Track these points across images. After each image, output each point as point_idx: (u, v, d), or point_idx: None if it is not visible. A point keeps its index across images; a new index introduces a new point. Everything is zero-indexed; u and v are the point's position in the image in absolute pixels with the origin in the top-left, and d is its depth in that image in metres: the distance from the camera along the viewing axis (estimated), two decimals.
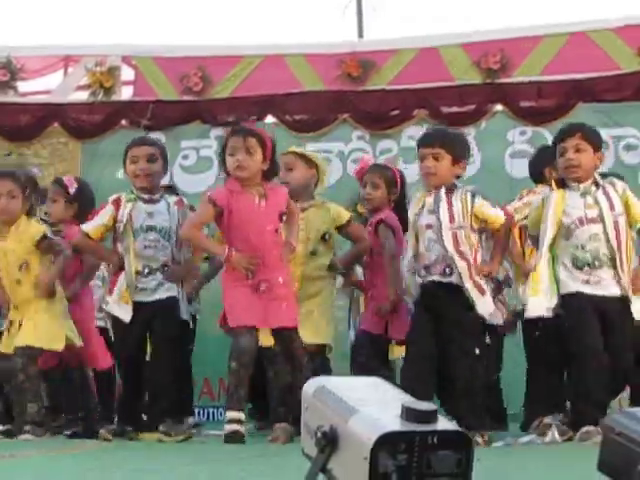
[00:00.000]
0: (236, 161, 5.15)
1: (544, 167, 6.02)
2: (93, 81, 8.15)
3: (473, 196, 5.21)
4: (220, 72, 8.07)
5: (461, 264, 5.10)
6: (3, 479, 3.14)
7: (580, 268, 5.18)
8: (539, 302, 5.22)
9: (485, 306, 5.15)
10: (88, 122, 8.19)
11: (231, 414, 5.05)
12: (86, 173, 7.76)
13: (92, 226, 5.60)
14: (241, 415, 5.07)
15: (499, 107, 7.86)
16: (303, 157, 5.93)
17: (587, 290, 5.17)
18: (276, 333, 5.19)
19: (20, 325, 5.66)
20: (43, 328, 5.63)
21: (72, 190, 6.18)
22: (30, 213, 5.84)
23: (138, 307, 5.52)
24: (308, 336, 5.46)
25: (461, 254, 5.12)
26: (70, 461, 4.15)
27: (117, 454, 4.56)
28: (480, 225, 5.22)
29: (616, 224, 5.19)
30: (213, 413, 7.68)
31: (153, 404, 5.52)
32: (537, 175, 6.14)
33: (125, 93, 8.41)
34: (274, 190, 5.30)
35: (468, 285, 5.10)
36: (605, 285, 5.18)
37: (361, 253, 5.93)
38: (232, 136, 5.24)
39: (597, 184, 5.25)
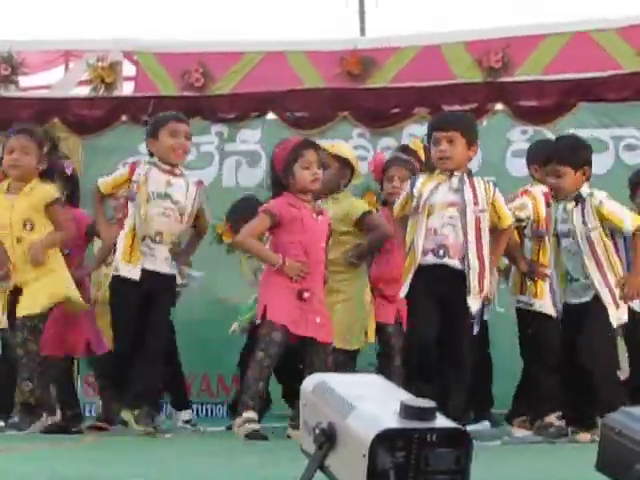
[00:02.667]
0: None
1: (529, 164, 6.06)
2: (94, 76, 8.14)
3: (495, 186, 5.27)
4: (221, 68, 8.07)
5: (474, 258, 5.10)
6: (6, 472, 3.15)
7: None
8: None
9: (474, 304, 5.16)
10: (89, 117, 8.17)
11: (247, 415, 5.03)
12: (87, 168, 7.75)
13: (104, 179, 5.68)
14: (255, 415, 5.06)
15: (500, 106, 7.85)
16: (337, 157, 5.94)
17: (570, 299, 5.35)
18: (310, 344, 5.19)
19: (16, 288, 5.51)
20: (41, 291, 5.48)
21: (69, 171, 6.13)
22: (48, 176, 5.71)
23: (142, 272, 5.43)
24: (336, 341, 5.47)
25: (479, 243, 5.13)
26: (69, 455, 4.15)
27: (107, 449, 4.56)
28: (492, 218, 5.24)
29: (589, 238, 5.28)
30: (212, 409, 7.68)
31: (133, 384, 5.41)
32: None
33: (126, 89, 8.41)
34: (324, 212, 5.44)
35: (474, 284, 5.11)
36: (581, 293, 5.32)
37: (373, 243, 5.89)
38: None
39: (577, 200, 5.33)
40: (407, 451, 2.03)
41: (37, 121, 8.09)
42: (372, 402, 2.13)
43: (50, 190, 5.65)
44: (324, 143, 6.17)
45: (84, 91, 8.32)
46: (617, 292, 5.27)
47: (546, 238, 5.66)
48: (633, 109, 7.59)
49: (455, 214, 5.13)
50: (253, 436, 4.93)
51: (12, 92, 8.22)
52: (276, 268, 5.19)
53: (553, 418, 5.48)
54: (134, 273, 5.39)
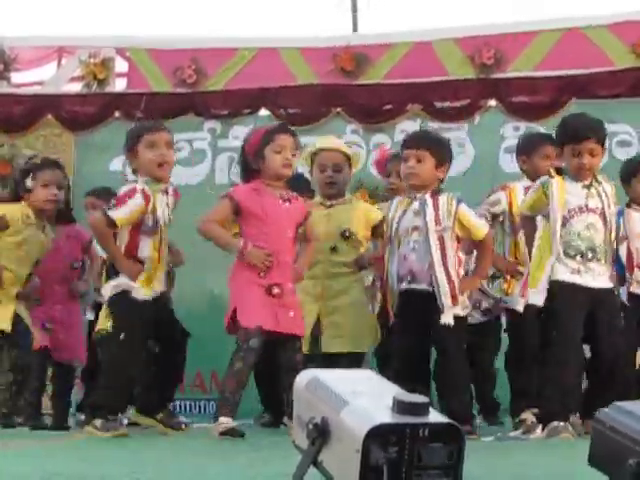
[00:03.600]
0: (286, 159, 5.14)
1: (518, 156, 6.05)
2: (87, 73, 8.14)
3: (459, 202, 5.24)
4: (214, 65, 8.06)
5: (442, 277, 5.10)
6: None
7: (572, 257, 5.19)
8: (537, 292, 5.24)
9: (448, 318, 5.13)
10: (82, 114, 8.16)
11: (224, 420, 4.91)
12: (79, 164, 7.74)
13: (117, 213, 5.04)
14: (233, 423, 4.94)
15: (493, 102, 7.86)
16: (348, 157, 5.87)
17: (577, 280, 5.18)
18: (283, 340, 5.07)
19: None
20: None
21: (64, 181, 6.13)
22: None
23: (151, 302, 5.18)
24: (343, 344, 5.48)
25: (444, 263, 5.13)
26: (64, 452, 4.15)
27: (101, 447, 4.56)
28: (463, 233, 5.23)
29: (611, 218, 5.22)
30: (205, 406, 7.68)
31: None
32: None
33: (119, 85, 8.40)
34: (296, 199, 5.29)
35: (445, 301, 5.11)
36: (597, 276, 5.20)
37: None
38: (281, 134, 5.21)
39: (597, 180, 5.28)
40: (400, 446, 2.04)
41: (30, 117, 8.11)
42: (365, 398, 2.13)
43: None
44: (337, 143, 6.07)
45: (76, 87, 8.31)
46: None
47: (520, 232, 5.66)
48: (626, 105, 7.60)
49: (418, 238, 5.17)
50: (228, 433, 4.83)
51: (4, 88, 8.21)
52: (238, 254, 5.05)
53: (529, 414, 5.49)
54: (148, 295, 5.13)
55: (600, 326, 5.12)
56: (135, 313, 5.07)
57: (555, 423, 4.90)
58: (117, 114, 8.18)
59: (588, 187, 5.22)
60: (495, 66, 7.70)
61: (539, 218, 5.33)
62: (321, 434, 2.14)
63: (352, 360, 5.51)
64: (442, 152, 5.32)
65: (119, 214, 5.02)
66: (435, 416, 2.09)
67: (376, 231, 5.77)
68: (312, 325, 5.51)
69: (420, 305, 5.16)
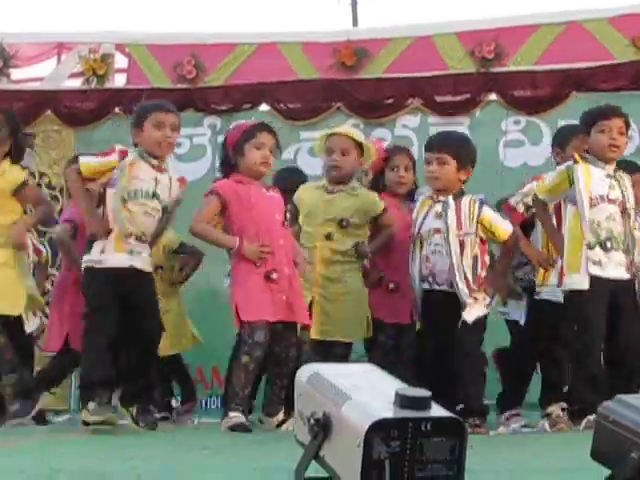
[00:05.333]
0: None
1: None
2: (86, 68, 8.11)
3: (481, 204, 5.27)
4: (214, 60, 8.04)
5: (461, 280, 5.15)
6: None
7: (592, 247, 5.19)
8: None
9: (470, 315, 5.16)
10: (81, 109, 8.14)
11: (234, 414, 4.94)
12: None
13: (87, 160, 5.24)
14: (242, 416, 4.97)
15: (493, 96, 7.83)
16: (359, 144, 5.83)
17: (598, 272, 5.18)
18: (281, 329, 5.11)
19: None
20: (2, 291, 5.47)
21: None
22: (16, 156, 5.63)
23: (124, 274, 5.12)
24: (331, 332, 5.50)
25: (463, 267, 5.17)
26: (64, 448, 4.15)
27: (104, 442, 4.56)
28: (487, 235, 5.27)
29: (631, 211, 5.24)
30: (207, 402, 7.67)
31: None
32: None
33: (118, 81, 8.38)
34: (274, 189, 5.38)
35: (466, 300, 5.15)
36: (616, 267, 5.20)
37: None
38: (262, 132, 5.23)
39: (619, 169, 5.31)
40: (402, 441, 2.03)
41: (30, 113, 8.09)
42: (367, 392, 2.13)
43: (14, 173, 5.59)
44: (341, 129, 6.05)
45: (76, 83, 8.30)
46: None
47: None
48: (626, 99, 7.58)
49: (439, 241, 5.25)
50: (237, 428, 4.86)
51: (4, 85, 8.19)
52: (235, 250, 5.09)
53: (556, 408, 5.49)
54: (126, 261, 5.09)
55: (619, 316, 5.14)
56: (97, 283, 5.07)
57: (591, 417, 4.87)
58: (117, 110, 8.17)
59: (611, 177, 5.24)
60: (496, 60, 7.69)
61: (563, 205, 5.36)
62: (323, 429, 2.14)
63: (340, 348, 5.54)
64: (464, 154, 5.35)
65: (86, 161, 5.21)
66: (437, 410, 2.08)
67: (376, 222, 5.78)
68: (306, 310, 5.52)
69: (441, 305, 5.23)
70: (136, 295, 5.14)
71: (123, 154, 5.17)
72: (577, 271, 5.18)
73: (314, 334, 5.53)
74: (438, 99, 7.76)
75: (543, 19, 7.76)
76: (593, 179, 5.21)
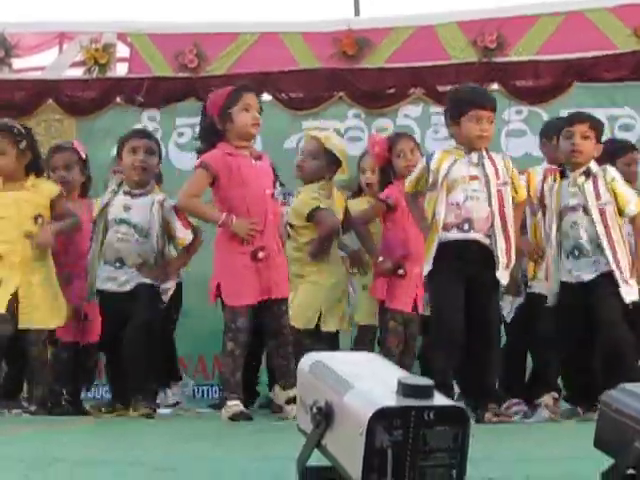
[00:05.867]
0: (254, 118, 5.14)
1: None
2: (88, 58, 8.10)
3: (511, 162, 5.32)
4: (215, 49, 8.03)
5: (499, 232, 5.05)
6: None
7: (566, 257, 5.26)
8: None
9: (502, 276, 5.11)
10: (83, 99, 8.14)
11: (232, 403, 4.93)
12: None
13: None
14: (240, 404, 4.96)
15: (495, 86, 7.82)
16: (326, 150, 5.88)
17: (571, 279, 5.28)
18: (269, 304, 5.07)
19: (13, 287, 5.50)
20: (44, 306, 5.54)
21: (84, 154, 6.15)
22: (36, 170, 5.70)
23: (109, 296, 5.50)
24: (294, 319, 5.48)
25: (503, 217, 5.08)
26: (67, 437, 4.15)
27: (107, 432, 4.56)
28: (513, 192, 5.26)
29: (602, 211, 5.24)
30: (207, 391, 7.67)
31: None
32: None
33: (120, 70, 8.36)
34: (263, 156, 5.29)
35: (502, 259, 5.06)
36: (586, 271, 5.25)
37: (322, 238, 5.81)
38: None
39: (588, 173, 5.30)
40: (405, 429, 2.03)
41: (31, 103, 8.09)
42: (369, 380, 2.12)
43: (50, 185, 5.72)
44: (317, 133, 6.18)
45: (78, 73, 8.28)
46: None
47: (539, 215, 5.66)
48: (628, 89, 7.58)
49: (478, 187, 5.08)
50: (238, 417, 4.85)
51: (6, 74, 8.18)
52: (222, 225, 5.04)
53: (547, 398, 5.51)
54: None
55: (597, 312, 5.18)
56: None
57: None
58: (119, 99, 8.16)
59: (572, 184, 5.31)
60: (498, 50, 7.68)
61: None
62: (325, 417, 2.13)
63: (305, 337, 5.62)
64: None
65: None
66: (440, 399, 2.08)
67: (309, 221, 5.81)
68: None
69: (471, 256, 5.06)
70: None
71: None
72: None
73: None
74: (440, 89, 7.74)
75: (545, 9, 7.75)
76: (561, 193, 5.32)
